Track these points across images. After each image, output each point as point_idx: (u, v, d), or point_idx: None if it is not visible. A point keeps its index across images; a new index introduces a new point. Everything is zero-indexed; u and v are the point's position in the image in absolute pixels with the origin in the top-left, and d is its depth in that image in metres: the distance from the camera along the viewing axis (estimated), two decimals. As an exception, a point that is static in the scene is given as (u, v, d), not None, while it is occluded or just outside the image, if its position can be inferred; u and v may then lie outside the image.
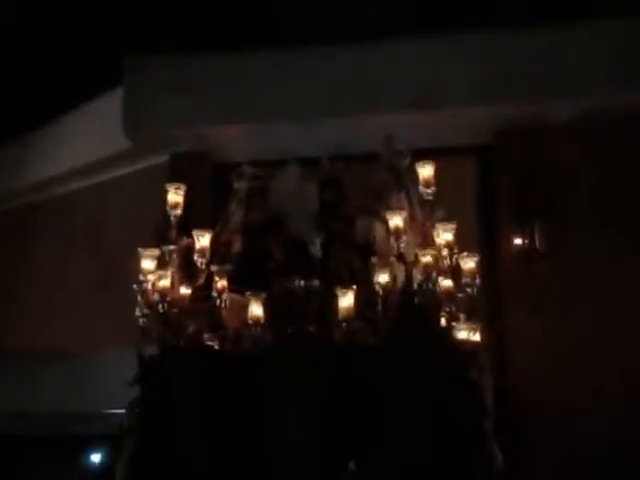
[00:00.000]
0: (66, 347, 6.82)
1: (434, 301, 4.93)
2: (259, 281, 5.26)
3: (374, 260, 5.05)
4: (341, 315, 4.91)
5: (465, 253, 5.04)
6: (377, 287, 4.94)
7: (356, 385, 4.82)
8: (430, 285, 4.91)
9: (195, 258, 5.24)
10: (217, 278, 5.17)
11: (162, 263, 5.20)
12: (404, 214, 5.11)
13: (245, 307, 5.08)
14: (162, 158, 6.76)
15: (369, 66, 6.26)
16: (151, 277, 5.11)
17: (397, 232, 5.03)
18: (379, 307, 4.93)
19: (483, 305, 5.33)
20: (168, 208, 5.32)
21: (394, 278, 4.99)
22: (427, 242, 5.12)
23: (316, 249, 5.42)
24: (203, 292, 5.24)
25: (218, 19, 6.92)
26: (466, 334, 4.97)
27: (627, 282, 5.85)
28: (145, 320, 5.05)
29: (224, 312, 5.15)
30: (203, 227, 5.39)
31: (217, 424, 4.91)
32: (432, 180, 5.20)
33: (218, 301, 5.13)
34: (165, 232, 5.44)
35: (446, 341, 4.90)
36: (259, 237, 5.55)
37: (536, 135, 6.15)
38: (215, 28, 6.87)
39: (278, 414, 4.86)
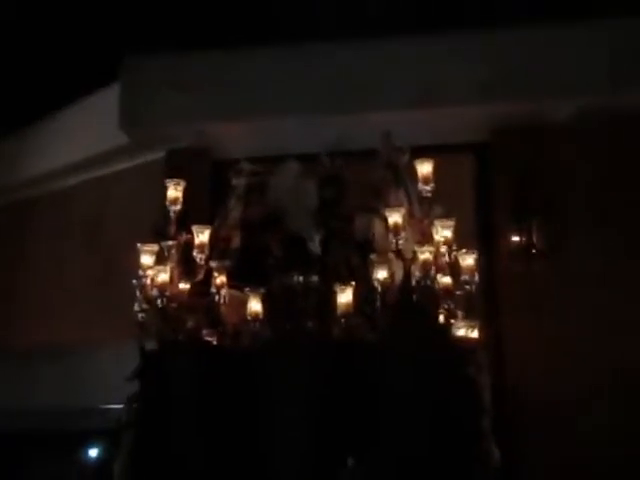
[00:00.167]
0: (64, 343, 6.81)
1: (432, 298, 4.93)
2: (258, 277, 5.26)
3: (373, 257, 5.05)
4: (340, 311, 4.92)
5: (464, 250, 5.04)
6: (376, 283, 4.94)
7: (354, 381, 4.82)
8: (428, 282, 4.91)
9: (194, 254, 5.23)
10: (216, 274, 5.17)
11: (161, 258, 5.19)
12: (403, 211, 5.11)
13: (244, 303, 5.08)
14: (160, 154, 6.75)
15: (369, 64, 6.28)
16: (150, 272, 5.09)
17: (396, 229, 5.03)
18: (378, 303, 4.93)
19: (481, 303, 5.35)
20: (167, 204, 5.31)
21: (392, 275, 4.99)
22: (426, 239, 5.11)
23: (315, 246, 5.42)
24: (202, 288, 5.22)
25: (217, 15, 6.93)
26: (464, 331, 4.98)
27: (625, 280, 5.86)
28: (144, 315, 5.04)
29: (223, 308, 5.15)
30: (201, 223, 5.40)
31: (215, 420, 4.91)
32: (431, 177, 5.19)
33: (217, 297, 5.14)
34: (163, 227, 5.44)
35: (444, 338, 4.90)
36: (258, 233, 5.55)
37: (535, 134, 6.16)
38: (214, 25, 6.88)
39: (276, 410, 4.87)
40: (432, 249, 4.98)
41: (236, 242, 5.52)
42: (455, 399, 4.71)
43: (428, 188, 5.18)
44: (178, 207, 5.31)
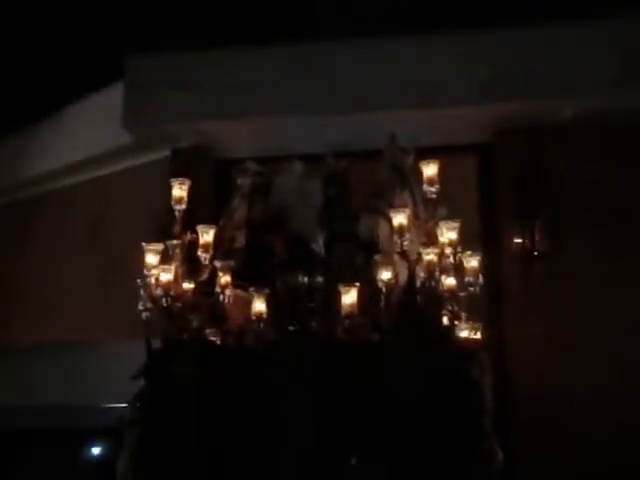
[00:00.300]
0: (65, 342, 6.80)
1: (436, 299, 4.93)
2: (262, 277, 5.25)
3: (377, 257, 5.05)
4: (344, 312, 4.91)
5: (468, 252, 5.05)
6: (380, 284, 4.95)
7: (358, 382, 4.83)
8: (433, 283, 4.92)
9: (199, 253, 5.23)
10: (221, 273, 5.16)
11: (165, 258, 5.19)
12: (408, 212, 5.11)
13: (248, 303, 5.07)
14: (163, 153, 6.76)
15: (370, 64, 6.29)
16: (155, 272, 5.09)
17: (401, 230, 5.03)
18: (382, 304, 4.94)
19: (483, 303, 5.36)
20: (172, 203, 5.30)
21: (397, 276, 5.00)
22: (430, 240, 5.12)
23: (319, 246, 5.41)
24: (206, 287, 5.22)
25: (219, 14, 6.93)
26: (468, 333, 4.99)
27: (627, 281, 5.89)
28: (148, 314, 5.03)
29: (227, 307, 5.15)
30: (204, 221, 5.40)
31: (219, 419, 4.91)
32: (436, 179, 5.20)
33: (221, 296, 5.14)
34: (166, 226, 5.44)
35: (447, 339, 4.92)
36: (262, 233, 5.54)
37: (537, 134, 6.18)
38: (216, 24, 6.88)
39: (280, 410, 4.87)
40: (437, 250, 4.99)
41: (240, 242, 5.51)
42: (458, 400, 4.73)
43: (433, 189, 5.19)
44: (183, 206, 5.30)
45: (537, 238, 5.99)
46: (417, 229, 5.21)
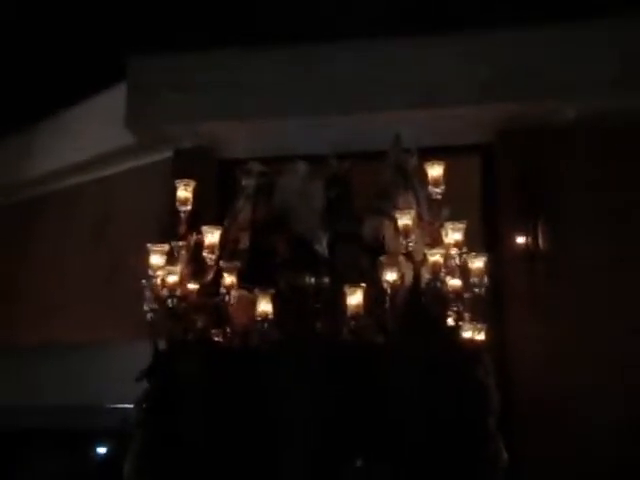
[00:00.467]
0: (69, 342, 6.82)
1: (442, 300, 4.94)
2: (266, 278, 5.26)
3: (382, 258, 5.06)
4: (350, 313, 4.91)
5: (473, 253, 5.05)
6: (385, 285, 4.95)
7: (363, 383, 4.85)
8: (438, 284, 4.93)
9: (204, 254, 5.23)
10: (226, 274, 5.16)
11: (171, 259, 5.19)
12: (412, 213, 5.13)
13: (253, 303, 5.07)
14: (166, 153, 6.78)
15: (372, 65, 6.31)
16: (160, 272, 5.09)
17: (406, 231, 5.04)
18: (387, 305, 4.94)
19: (486, 304, 5.34)
20: (177, 204, 5.31)
21: (402, 277, 5.01)
22: (435, 242, 5.13)
23: (322, 247, 5.42)
24: (211, 288, 5.22)
25: (221, 16, 6.95)
26: (471, 333, 5.01)
27: (630, 281, 5.90)
28: (153, 315, 5.03)
29: (232, 308, 5.14)
30: (207, 222, 5.40)
31: (224, 419, 4.92)
32: (441, 180, 5.21)
33: (227, 297, 5.13)
34: (169, 226, 5.45)
35: (453, 340, 4.93)
36: (266, 234, 5.55)
37: (538, 134, 6.20)
38: (219, 26, 6.90)
39: (285, 410, 4.89)
40: (442, 251, 5.00)
41: (245, 243, 5.52)
42: (464, 401, 4.75)
43: (438, 191, 5.20)
44: (188, 207, 5.30)
45: (539, 238, 6.01)
46: (421, 230, 5.22)
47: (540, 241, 6.02)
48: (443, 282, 4.96)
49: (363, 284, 4.96)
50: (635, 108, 6.05)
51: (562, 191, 6.13)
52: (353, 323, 4.90)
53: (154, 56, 6.54)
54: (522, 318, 5.91)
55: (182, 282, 5.14)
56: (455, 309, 4.97)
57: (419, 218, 5.23)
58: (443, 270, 4.97)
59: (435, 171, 5.22)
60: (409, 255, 5.06)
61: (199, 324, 5.14)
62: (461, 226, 5.07)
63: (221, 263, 5.22)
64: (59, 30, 7.38)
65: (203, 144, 6.62)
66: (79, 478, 6.50)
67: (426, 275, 5.02)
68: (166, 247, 5.18)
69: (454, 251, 5.05)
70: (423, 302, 4.96)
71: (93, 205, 7.34)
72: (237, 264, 5.23)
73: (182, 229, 5.29)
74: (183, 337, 5.07)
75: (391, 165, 5.56)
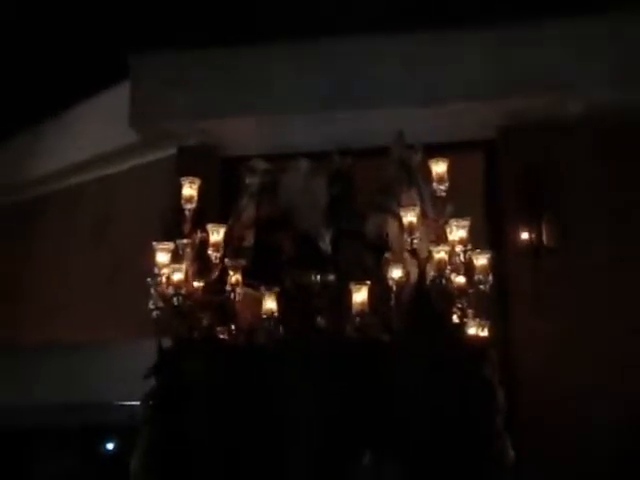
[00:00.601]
0: (71, 341, 6.82)
1: (447, 297, 4.94)
2: (271, 275, 5.26)
3: (387, 255, 5.06)
4: (355, 310, 4.91)
5: (478, 250, 5.05)
6: (390, 283, 4.95)
7: (368, 380, 4.85)
8: (443, 281, 4.93)
9: (209, 252, 5.22)
10: (231, 272, 5.15)
11: (176, 256, 5.19)
12: (417, 210, 5.12)
13: (258, 301, 5.08)
14: (168, 152, 6.79)
15: (375, 61, 6.32)
16: (165, 270, 5.09)
17: (410, 228, 5.04)
18: (392, 303, 4.95)
19: (491, 300, 5.34)
20: (182, 202, 5.30)
21: (407, 274, 5.01)
22: (439, 239, 5.13)
23: (325, 244, 5.41)
24: (216, 286, 5.22)
25: (224, 13, 6.95)
26: (475, 330, 5.02)
27: (632, 279, 5.91)
28: (159, 313, 5.03)
29: (237, 306, 5.14)
30: (211, 219, 5.39)
31: (230, 416, 4.93)
32: (445, 176, 5.21)
33: (232, 295, 5.12)
34: (172, 225, 5.45)
35: (458, 337, 4.93)
36: (270, 232, 5.55)
37: (542, 131, 6.21)
38: (221, 23, 6.90)
39: (290, 407, 4.89)
40: (447, 249, 4.99)
41: (249, 240, 5.52)
42: (470, 398, 4.74)
43: (442, 187, 5.19)
44: (193, 205, 5.30)
45: (543, 234, 6.01)
46: (426, 227, 5.21)
47: (544, 238, 6.02)
48: (448, 279, 4.94)
49: (368, 281, 4.95)
50: (638, 105, 6.05)
51: (565, 187, 6.15)
52: (358, 320, 4.90)
53: (157, 54, 6.55)
54: (526, 315, 5.93)
55: (187, 280, 5.13)
56: (460, 306, 4.96)
57: (423, 215, 5.21)
58: (448, 267, 4.95)
59: (439, 168, 5.21)
60: (414, 252, 5.05)
61: (204, 322, 5.14)
62: (465, 223, 5.06)
63: (226, 261, 5.21)
64: (61, 29, 7.38)
65: (207, 142, 6.62)
66: (86, 475, 6.51)
67: (431, 272, 5.01)
68: (171, 245, 5.17)
69: (459, 248, 5.03)
70: (428, 299, 4.95)
71: (96, 204, 7.35)
72: (242, 262, 5.22)
73: (187, 227, 5.28)
74: (189, 335, 5.07)
75: (394, 162, 5.54)
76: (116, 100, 6.72)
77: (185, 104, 6.44)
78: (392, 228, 5.32)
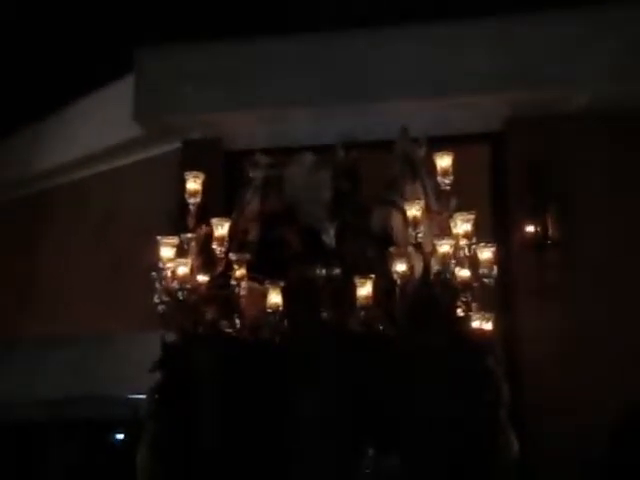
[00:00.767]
0: (76, 334, 6.85)
1: (451, 291, 4.94)
2: (275, 269, 5.26)
3: (392, 249, 5.06)
4: (359, 304, 4.92)
5: (482, 243, 5.04)
6: (395, 276, 4.95)
7: (373, 374, 4.86)
8: (447, 275, 4.93)
9: (213, 246, 5.23)
10: (236, 266, 5.16)
11: (180, 251, 5.20)
12: (421, 204, 5.12)
13: (263, 295, 5.08)
14: (173, 145, 6.79)
15: (382, 53, 6.30)
16: (170, 265, 5.10)
17: (415, 222, 5.05)
18: (397, 296, 4.95)
19: (496, 293, 5.32)
20: (187, 196, 5.32)
21: (412, 268, 5.01)
22: (444, 232, 5.13)
23: (330, 238, 5.41)
24: (221, 280, 5.23)
25: (229, 6, 6.94)
26: (479, 323, 5.01)
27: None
28: (164, 307, 5.04)
29: (242, 300, 5.15)
30: (215, 213, 5.40)
31: (235, 410, 4.95)
32: (450, 170, 5.21)
33: (237, 289, 5.12)
34: (177, 219, 5.45)
35: (462, 330, 4.93)
36: (275, 226, 5.55)
37: (549, 123, 6.18)
38: (227, 16, 6.90)
39: (296, 401, 4.90)
40: (451, 242, 4.99)
41: (253, 235, 5.52)
42: (474, 391, 4.75)
43: (447, 181, 5.19)
44: (197, 199, 5.31)
45: (550, 227, 5.99)
46: (430, 221, 5.21)
47: (550, 231, 6.01)
48: (452, 273, 4.95)
49: (372, 275, 4.95)
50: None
51: (572, 179, 6.12)
52: (363, 314, 4.90)
53: (161, 48, 6.55)
54: (531, 308, 5.91)
55: (192, 274, 5.15)
56: (464, 300, 4.95)
57: (428, 209, 5.22)
58: (452, 261, 4.95)
59: (444, 162, 5.20)
60: (418, 246, 5.05)
61: (209, 316, 5.15)
62: (470, 217, 5.05)
63: (230, 255, 5.22)
64: (66, 23, 7.39)
65: (211, 135, 6.62)
66: (92, 468, 6.52)
67: (435, 266, 5.01)
68: (176, 240, 5.18)
69: (463, 242, 5.03)
70: (432, 293, 4.95)
71: (101, 198, 7.37)
72: (247, 256, 5.22)
73: (191, 221, 5.29)
74: (193, 329, 5.08)
75: (399, 156, 5.54)
76: (120, 94, 6.73)
77: (189, 98, 6.43)
78: (396, 222, 5.32)
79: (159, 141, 6.87)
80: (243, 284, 5.14)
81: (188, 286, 5.06)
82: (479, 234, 5.16)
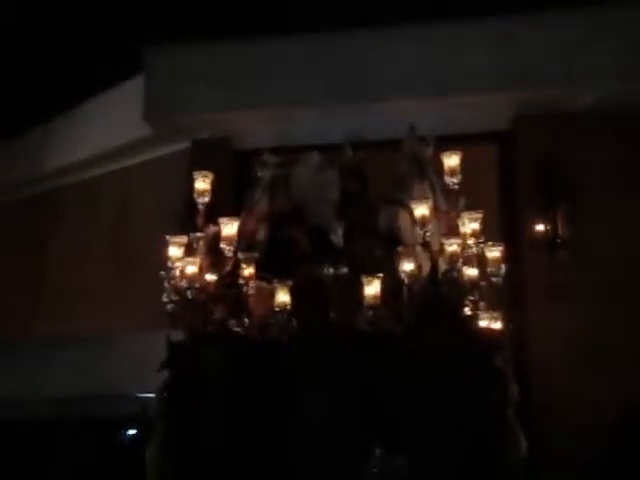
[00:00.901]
0: (84, 334, 6.88)
1: (459, 290, 4.95)
2: (284, 269, 5.27)
3: (399, 249, 5.07)
4: (367, 303, 4.92)
5: (490, 242, 5.04)
6: (402, 275, 4.96)
7: (380, 373, 4.86)
8: (455, 274, 4.93)
9: (222, 246, 5.24)
10: (244, 265, 5.18)
11: (189, 250, 5.22)
12: (429, 203, 5.13)
13: (271, 294, 5.09)
14: (182, 145, 6.81)
15: (389, 53, 6.30)
16: (179, 264, 5.12)
17: (422, 221, 5.04)
18: (404, 295, 4.95)
19: (505, 292, 5.29)
20: (195, 195, 5.33)
21: (419, 267, 5.01)
22: (452, 231, 5.13)
23: (337, 237, 5.42)
24: (229, 279, 5.24)
25: (238, 6, 6.96)
26: (487, 322, 5.01)
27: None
28: (173, 306, 5.06)
29: (250, 299, 5.16)
30: (224, 212, 5.41)
31: (243, 409, 4.96)
32: (457, 170, 5.20)
33: (245, 288, 5.14)
34: (186, 217, 5.47)
35: (470, 329, 4.94)
36: (283, 225, 5.56)
37: (557, 120, 6.17)
38: (235, 15, 6.92)
39: (304, 400, 4.90)
40: (459, 241, 4.99)
41: (262, 234, 5.54)
42: (482, 390, 4.75)
43: (455, 181, 5.18)
44: (206, 199, 5.32)
45: (559, 225, 5.99)
46: (438, 220, 5.21)
47: (559, 229, 6.00)
48: (460, 272, 4.94)
49: (380, 274, 4.96)
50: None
51: (581, 177, 6.10)
52: (370, 313, 4.91)
53: (170, 48, 6.56)
54: (541, 307, 5.91)
55: (201, 273, 5.16)
56: (472, 299, 4.95)
57: (435, 208, 5.21)
58: (460, 260, 4.95)
59: (451, 161, 5.20)
60: (426, 245, 5.05)
61: (217, 315, 5.16)
62: (478, 216, 5.05)
63: (239, 254, 5.23)
64: (76, 24, 7.42)
65: (220, 135, 6.63)
66: (101, 466, 6.55)
67: (443, 265, 5.01)
68: (184, 239, 5.20)
69: (471, 241, 5.02)
70: (440, 292, 4.95)
71: (111, 197, 7.40)
72: (255, 255, 5.24)
73: (200, 220, 5.30)
74: (202, 328, 5.09)
75: (406, 155, 5.54)
76: (130, 94, 6.75)
77: (198, 97, 6.44)
78: (404, 221, 5.32)
79: (168, 141, 6.90)
80: (251, 283, 5.16)
81: (197, 285, 5.08)
82: (488, 233, 5.16)
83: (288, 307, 5.03)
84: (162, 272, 5.14)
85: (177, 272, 5.12)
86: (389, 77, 6.25)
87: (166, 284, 5.11)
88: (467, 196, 5.27)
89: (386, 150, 5.88)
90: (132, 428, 6.58)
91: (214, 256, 5.29)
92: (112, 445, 6.73)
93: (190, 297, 5.05)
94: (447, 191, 5.30)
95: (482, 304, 5.03)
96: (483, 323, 5.01)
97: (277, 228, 5.57)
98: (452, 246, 4.96)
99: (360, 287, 4.96)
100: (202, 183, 5.34)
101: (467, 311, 4.99)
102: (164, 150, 7.01)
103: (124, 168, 7.34)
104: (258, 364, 5.01)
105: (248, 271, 5.17)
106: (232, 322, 5.20)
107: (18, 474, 6.95)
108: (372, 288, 4.94)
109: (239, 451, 4.90)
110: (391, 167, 5.66)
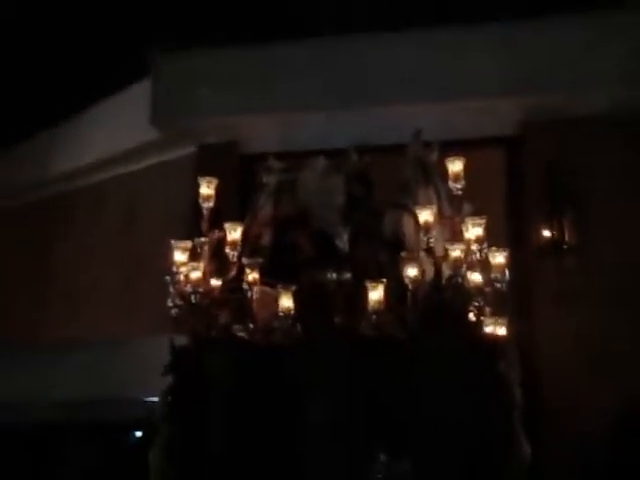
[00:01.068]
0: (89, 338, 6.91)
1: (463, 295, 4.94)
2: (288, 274, 5.27)
3: (403, 254, 5.06)
4: (371, 308, 4.92)
5: (494, 248, 5.02)
6: (406, 281, 4.95)
7: (384, 378, 4.86)
8: (459, 280, 4.92)
9: (226, 251, 5.26)
10: (248, 270, 5.18)
11: (193, 255, 5.22)
12: (433, 209, 5.12)
13: (275, 299, 5.09)
14: (188, 149, 6.83)
15: (395, 57, 6.32)
16: (183, 269, 5.12)
17: (426, 227, 5.04)
18: (408, 301, 4.94)
19: (512, 298, 5.29)
20: (200, 201, 5.34)
21: (423, 272, 5.01)
22: (456, 237, 5.12)
23: (342, 242, 5.42)
24: (234, 284, 5.25)
25: (244, 11, 6.98)
26: (492, 328, 5.00)
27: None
28: (177, 311, 5.07)
29: (255, 304, 5.16)
30: (229, 216, 5.42)
31: (247, 414, 4.96)
32: (461, 175, 5.18)
33: (249, 293, 5.14)
34: (192, 222, 5.48)
35: (474, 335, 4.93)
36: (287, 230, 5.57)
37: (563, 127, 6.17)
38: (241, 20, 6.93)
39: (308, 405, 4.90)
40: (463, 247, 4.98)
41: (266, 239, 5.54)
42: (486, 395, 4.74)
43: (459, 186, 5.17)
44: (211, 204, 5.33)
45: (566, 231, 5.98)
46: (442, 226, 5.20)
47: (566, 235, 5.99)
48: (464, 277, 4.93)
49: (384, 280, 4.95)
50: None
51: (588, 183, 6.10)
52: (374, 318, 4.90)
53: (177, 52, 6.60)
54: (548, 313, 5.91)
55: (205, 278, 5.16)
56: (476, 304, 4.94)
57: (440, 214, 5.20)
58: (464, 265, 4.94)
59: (455, 166, 5.18)
60: (430, 251, 5.04)
61: (222, 320, 5.16)
62: (482, 221, 5.03)
63: (243, 259, 5.24)
64: (84, 28, 7.45)
65: (226, 139, 6.65)
66: (107, 469, 6.57)
67: (447, 271, 5.00)
68: (189, 244, 5.20)
69: (475, 246, 5.01)
70: (444, 297, 4.94)
71: (117, 201, 7.43)
72: (259, 260, 5.24)
73: (205, 226, 5.31)
74: (206, 333, 5.10)
75: (411, 160, 5.54)
76: (136, 98, 6.78)
77: (205, 102, 6.48)
78: (408, 226, 5.32)
79: (174, 145, 6.93)
80: (256, 288, 5.16)
81: (201, 290, 5.08)
82: (495, 239, 5.14)
83: (292, 312, 5.03)
84: (167, 277, 5.14)
85: (182, 277, 5.11)
86: (394, 82, 6.27)
87: (171, 289, 5.11)
88: (473, 202, 5.25)
89: (391, 155, 5.86)
90: (140, 432, 6.59)
91: (218, 261, 5.29)
92: (120, 449, 6.75)
93: (194, 302, 5.05)
94: (452, 196, 5.29)
95: (487, 310, 5.01)
96: (488, 329, 4.99)
97: (282, 233, 5.57)
98: (456, 251, 4.94)
99: (364, 292, 4.95)
100: (206, 189, 5.34)
101: (471, 317, 4.97)
102: (170, 155, 7.04)
103: (130, 172, 7.37)
104: (262, 369, 5.01)
105: (252, 276, 5.17)
106: (236, 327, 5.20)
107: (26, 478, 6.97)
108: (376, 293, 4.94)
109: (243, 456, 4.89)
110: (396, 172, 5.65)
